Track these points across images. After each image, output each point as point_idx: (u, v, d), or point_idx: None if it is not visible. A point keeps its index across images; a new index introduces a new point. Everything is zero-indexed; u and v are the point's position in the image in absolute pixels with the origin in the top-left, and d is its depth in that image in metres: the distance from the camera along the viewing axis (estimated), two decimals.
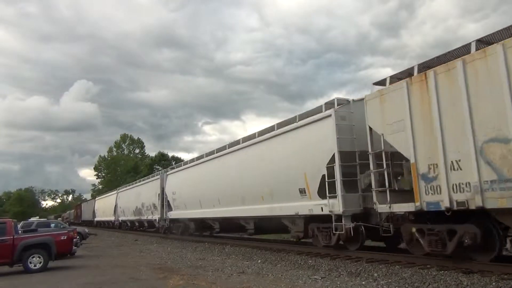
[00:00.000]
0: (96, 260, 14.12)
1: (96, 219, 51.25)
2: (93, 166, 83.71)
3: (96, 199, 53.47)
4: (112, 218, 40.67)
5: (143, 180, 32.39)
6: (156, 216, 25.91)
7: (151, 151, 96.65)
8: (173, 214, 23.59)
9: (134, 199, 31.73)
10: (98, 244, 22.58)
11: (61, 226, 19.46)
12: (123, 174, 71.81)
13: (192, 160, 22.18)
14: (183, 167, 23.24)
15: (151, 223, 28.29)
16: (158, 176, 26.59)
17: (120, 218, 37.62)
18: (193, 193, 20.48)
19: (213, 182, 18.10)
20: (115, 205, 38.97)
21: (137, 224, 32.97)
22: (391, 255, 10.21)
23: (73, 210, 73.55)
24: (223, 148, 18.04)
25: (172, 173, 24.84)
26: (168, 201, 23.97)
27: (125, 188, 37.56)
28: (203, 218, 19.87)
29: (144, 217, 29.61)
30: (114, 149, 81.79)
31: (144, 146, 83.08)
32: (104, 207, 45.54)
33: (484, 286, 6.72)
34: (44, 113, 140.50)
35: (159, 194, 25.34)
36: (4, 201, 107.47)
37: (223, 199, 17.17)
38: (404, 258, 9.60)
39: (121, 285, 8.56)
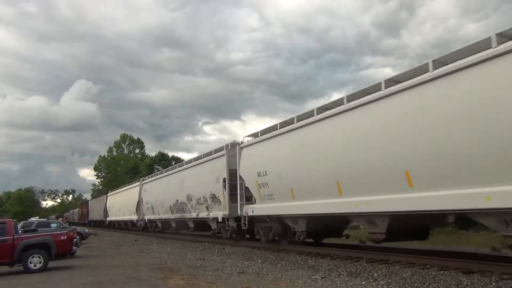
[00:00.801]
0: (96, 260, 14.12)
1: (108, 218, 42.94)
2: (93, 166, 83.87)
3: (109, 194, 44.16)
4: (134, 218, 32.09)
5: (188, 163, 22.91)
6: (218, 213, 17.44)
7: (151, 151, 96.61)
8: (258, 209, 14.69)
9: (173, 190, 23.03)
10: (98, 244, 22.57)
11: (61, 226, 19.47)
12: (123, 174, 71.81)
13: (308, 114, 12.06)
14: (288, 127, 12.86)
15: (202, 223, 20.39)
16: (223, 152, 17.15)
17: (147, 217, 29.11)
18: (315, 170, 11.47)
19: (397, 145, 8.85)
20: (139, 201, 30.57)
21: (174, 225, 24.93)
22: (391, 255, 10.20)
23: (77, 209, 70.00)
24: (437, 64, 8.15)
25: (255, 143, 14.87)
26: (246, 188, 15.30)
27: (154, 178, 28.77)
28: (339, 214, 11.10)
29: (191, 215, 20.83)
30: (114, 149, 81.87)
31: (144, 146, 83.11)
32: (121, 204, 36.54)
33: (484, 286, 6.72)
34: (44, 113, 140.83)
35: (224, 179, 16.73)
36: (4, 201, 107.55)
37: (419, 176, 8.43)
38: (404, 258, 9.60)
39: (121, 285, 8.56)
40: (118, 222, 39.94)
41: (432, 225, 10.81)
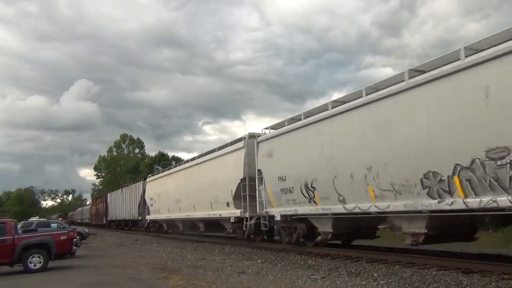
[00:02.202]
0: (96, 260, 14.13)
1: (150, 217, 28.00)
2: (93, 166, 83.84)
3: (149, 180, 28.75)
4: (228, 213, 16.60)
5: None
6: None
7: (151, 151, 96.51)
8: None
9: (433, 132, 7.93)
10: (99, 244, 22.58)
11: (61, 226, 19.47)
12: (123, 174, 71.86)
13: None
14: None
15: None
16: None
17: (281, 211, 13.42)
18: None
19: None
20: (243, 178, 15.35)
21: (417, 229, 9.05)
22: (391, 255, 10.21)
23: (87, 207, 60.83)
24: None
25: None
26: None
27: (317, 117, 11.59)
28: None
29: None
30: (114, 149, 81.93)
31: (144, 146, 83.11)
32: (178, 192, 22.04)
33: (484, 286, 6.71)
34: (44, 113, 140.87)
35: None
36: (4, 201, 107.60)
37: None
38: (404, 258, 9.60)
39: (121, 285, 8.56)
40: (173, 222, 24.41)
41: None
